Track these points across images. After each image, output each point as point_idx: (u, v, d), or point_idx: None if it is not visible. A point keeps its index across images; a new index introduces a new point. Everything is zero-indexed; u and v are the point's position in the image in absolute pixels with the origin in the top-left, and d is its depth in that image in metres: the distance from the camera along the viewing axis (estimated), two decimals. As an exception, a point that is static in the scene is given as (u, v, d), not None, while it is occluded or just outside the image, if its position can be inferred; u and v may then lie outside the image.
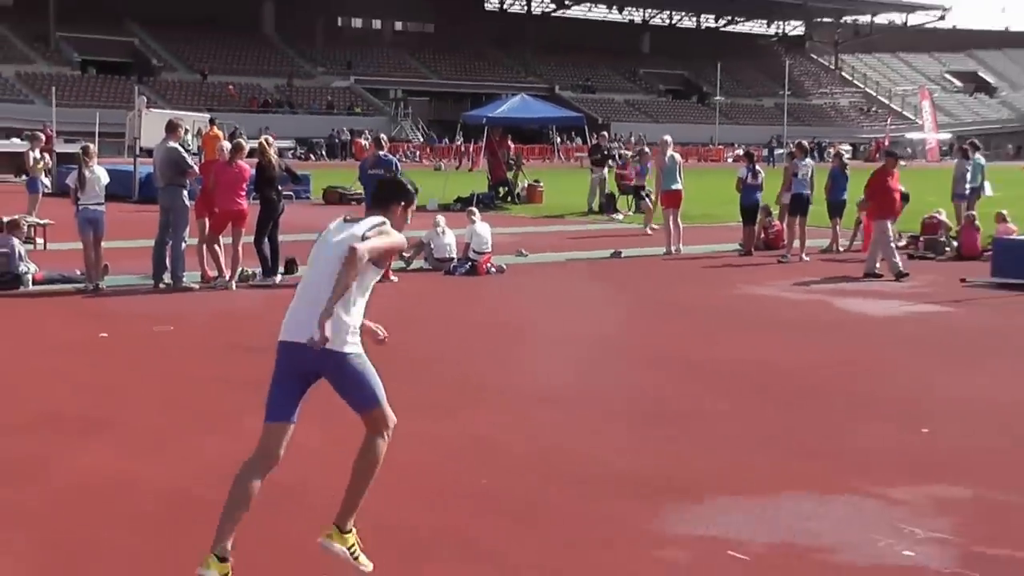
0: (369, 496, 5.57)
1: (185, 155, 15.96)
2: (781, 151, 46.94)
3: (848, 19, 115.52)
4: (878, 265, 17.92)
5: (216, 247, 15.77)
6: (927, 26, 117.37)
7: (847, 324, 13.91)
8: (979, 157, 24.98)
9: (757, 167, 21.69)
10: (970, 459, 7.88)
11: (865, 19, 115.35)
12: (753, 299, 15.77)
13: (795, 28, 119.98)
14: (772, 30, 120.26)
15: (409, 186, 5.67)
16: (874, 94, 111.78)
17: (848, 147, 69.98)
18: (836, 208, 21.68)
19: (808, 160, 21.55)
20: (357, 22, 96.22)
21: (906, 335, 13.14)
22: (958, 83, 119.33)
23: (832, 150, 34.08)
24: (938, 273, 18.53)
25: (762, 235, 21.96)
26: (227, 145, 16.36)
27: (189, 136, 35.55)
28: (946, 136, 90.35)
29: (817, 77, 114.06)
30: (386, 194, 5.64)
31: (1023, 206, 22.79)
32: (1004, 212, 21.67)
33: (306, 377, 5.41)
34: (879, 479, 7.30)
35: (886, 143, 70.07)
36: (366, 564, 5.48)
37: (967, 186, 23.94)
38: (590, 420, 8.86)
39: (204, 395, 9.49)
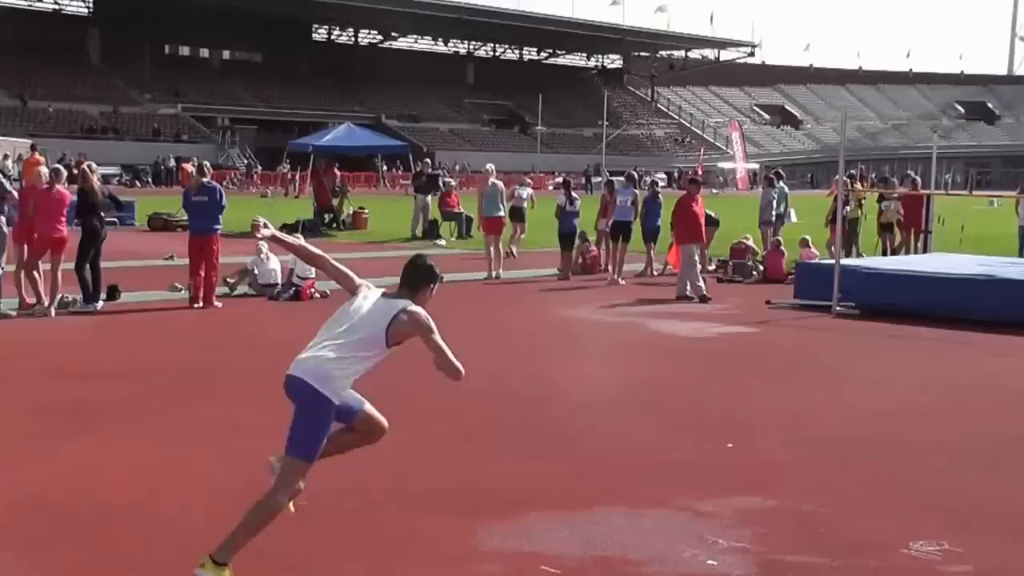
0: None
1: (2, 180, 15.77)
2: (598, 179, 47.83)
3: (663, 53, 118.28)
4: (689, 288, 18.59)
5: (35, 273, 15.47)
6: (737, 61, 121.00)
7: (658, 344, 14.31)
8: (783, 185, 26.06)
9: (574, 195, 22.32)
10: (771, 471, 8.21)
11: (679, 54, 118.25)
12: (570, 322, 16.07)
13: (613, 62, 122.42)
14: (592, 63, 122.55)
15: (437, 270, 6.20)
16: (688, 125, 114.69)
17: (663, 175, 71.84)
18: (650, 234, 22.40)
19: (633, 189, 22.30)
20: (185, 50, 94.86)
21: (714, 354, 13.58)
22: (766, 116, 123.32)
23: (647, 179, 35.06)
24: (745, 295, 19.18)
25: (579, 260, 22.54)
26: (45, 171, 16.18)
27: (9, 162, 34.76)
28: (754, 166, 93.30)
29: (634, 108, 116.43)
30: (417, 278, 6.10)
31: (824, 232, 23.77)
32: (807, 237, 22.65)
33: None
34: (687, 493, 7.53)
35: (699, 172, 72.02)
36: None
37: (773, 213, 24.96)
38: (407, 439, 8.79)
39: (19, 422, 9.29)
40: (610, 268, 21.38)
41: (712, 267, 22.36)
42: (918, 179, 26.32)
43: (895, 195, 25.13)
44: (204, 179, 17.29)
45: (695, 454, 8.67)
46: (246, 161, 78.32)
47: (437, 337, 5.89)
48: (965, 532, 6.85)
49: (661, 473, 8.15)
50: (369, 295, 6.05)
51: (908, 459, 8.64)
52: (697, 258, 19.18)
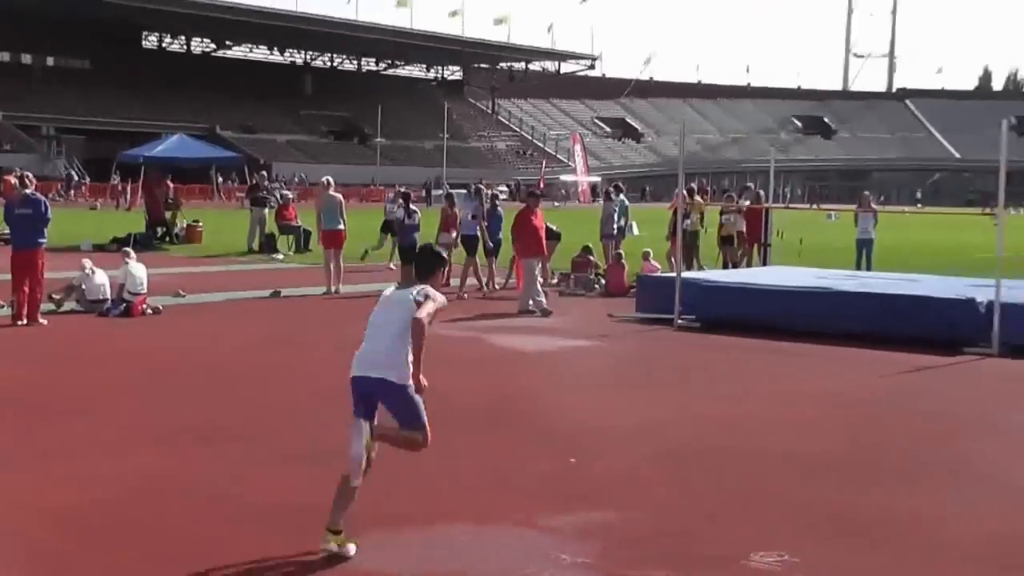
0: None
1: None
2: (438, 192, 47.66)
3: (504, 65, 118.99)
4: (531, 303, 18.48)
5: None
6: (578, 74, 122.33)
7: (501, 359, 14.25)
8: (623, 199, 26.19)
9: (412, 208, 22.07)
10: (615, 485, 8.19)
11: (520, 66, 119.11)
12: None
13: (454, 73, 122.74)
14: (432, 75, 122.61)
15: (444, 253, 7.21)
16: (530, 137, 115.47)
17: (504, 188, 72.05)
18: (491, 248, 22.25)
19: (476, 202, 22.17)
20: (5, 55, 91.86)
21: (557, 369, 13.60)
22: (607, 128, 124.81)
23: (488, 191, 34.92)
24: (588, 309, 19.23)
25: (421, 274, 22.26)
26: None
27: None
28: (596, 179, 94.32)
29: (475, 121, 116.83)
30: (429, 264, 7.02)
31: (666, 245, 23.94)
32: (648, 251, 22.81)
33: (372, 400, 6.79)
34: (531, 508, 7.49)
35: (542, 185, 72.48)
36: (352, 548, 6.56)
37: (614, 226, 25.04)
38: (246, 458, 8.75)
39: None
40: (465, 282, 21.31)
41: (554, 281, 22.33)
42: (761, 192, 26.72)
43: (734, 207, 25.44)
44: (27, 191, 16.55)
45: (538, 469, 8.60)
46: (67, 172, 76.05)
47: (432, 307, 6.70)
48: (807, 542, 6.90)
49: (504, 488, 8.07)
50: (387, 294, 7.03)
51: (751, 470, 8.69)
52: (539, 272, 19.07)
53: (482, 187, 24.02)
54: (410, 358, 6.70)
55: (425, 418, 6.79)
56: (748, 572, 6.39)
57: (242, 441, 9.35)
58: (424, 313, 6.60)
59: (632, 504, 7.70)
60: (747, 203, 25.49)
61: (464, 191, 23.75)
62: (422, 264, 7.05)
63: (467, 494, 7.90)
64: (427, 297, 6.69)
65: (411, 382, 6.72)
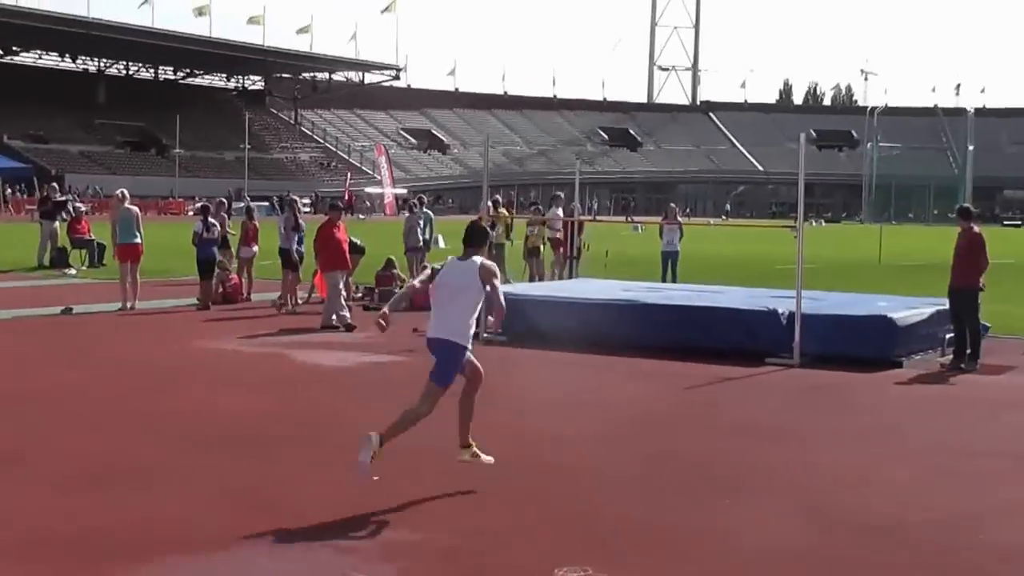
0: None
1: None
2: (240, 204, 46.65)
3: (307, 75, 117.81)
4: (334, 317, 18.08)
5: None
6: (383, 84, 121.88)
7: (302, 375, 14.00)
8: (428, 211, 25.98)
9: (211, 221, 21.42)
10: (418, 503, 8.09)
11: (323, 76, 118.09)
12: (210, 353, 15.57)
13: (255, 83, 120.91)
14: (232, 84, 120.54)
15: (489, 229, 9.35)
16: (334, 149, 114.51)
17: (307, 200, 71.15)
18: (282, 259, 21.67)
19: (290, 215, 21.64)
20: None
21: (360, 384, 13.43)
22: (413, 140, 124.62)
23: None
24: (393, 323, 18.75)
25: (220, 289, 21.65)
26: None
27: None
28: (402, 191, 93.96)
29: (277, 132, 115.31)
30: (478, 238, 8.68)
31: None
32: (449, 263, 22.51)
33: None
34: (332, 527, 7.36)
35: (347, 198, 71.92)
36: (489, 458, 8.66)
37: (419, 239, 24.76)
38: (29, 485, 8.35)
39: None
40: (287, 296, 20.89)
41: (358, 295, 21.92)
42: (576, 204, 26.84)
43: (539, 219, 25.47)
44: None
45: (337, 487, 8.46)
46: None
47: (498, 282, 8.37)
48: (610, 556, 6.92)
49: (301, 507, 7.90)
50: (447, 269, 8.64)
51: (555, 484, 8.70)
52: (342, 286, 18.66)
53: (295, 199, 23.46)
54: (472, 326, 8.45)
55: (452, 381, 8.54)
56: (551, 588, 6.36)
57: (17, 466, 8.92)
58: (500, 294, 8.34)
59: (435, 521, 7.63)
60: (560, 212, 25.49)
61: (266, 203, 23.14)
62: (474, 237, 8.64)
63: (265, 515, 7.67)
64: (490, 270, 8.36)
65: (469, 346, 8.47)
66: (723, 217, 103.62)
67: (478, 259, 8.38)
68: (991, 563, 7.03)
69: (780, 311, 15.46)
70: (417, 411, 8.53)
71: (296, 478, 8.76)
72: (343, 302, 18.55)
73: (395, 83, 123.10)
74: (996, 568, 6.97)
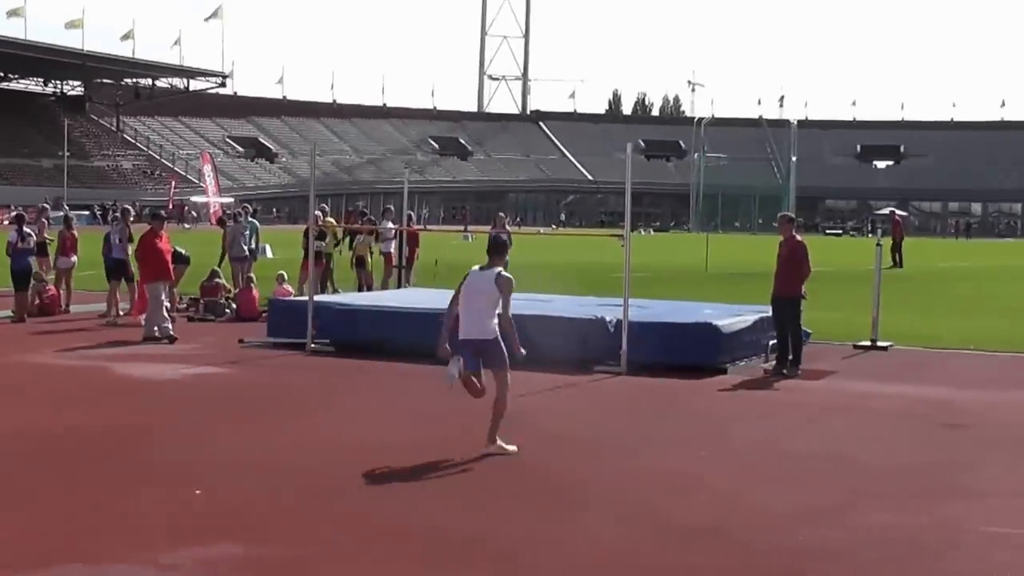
0: None
1: None
2: (59, 213, 45.24)
3: (129, 82, 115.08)
4: (156, 329, 17.66)
5: None
6: (208, 92, 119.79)
7: (124, 389, 13.66)
8: (254, 220, 25.60)
9: (27, 230, 20.78)
10: (239, 516, 7.93)
11: (146, 82, 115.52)
12: (25, 368, 15.13)
13: (75, 88, 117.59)
14: (50, 89, 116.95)
15: (508, 242, 10.65)
16: (158, 157, 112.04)
17: (130, 208, 69.42)
18: (115, 270, 21.11)
19: (123, 225, 21.06)
20: None
21: (184, 397, 13.14)
22: (240, 148, 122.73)
23: (115, 212, 33.49)
24: (218, 335, 18.66)
25: (36, 301, 20.97)
26: None
27: None
28: (229, 200, 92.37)
29: (99, 139, 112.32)
30: (502, 248, 10.34)
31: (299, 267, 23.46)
32: (283, 273, 22.29)
33: (480, 354, 9.94)
34: (152, 544, 7.18)
35: (171, 207, 70.49)
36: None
37: (245, 248, 24.34)
38: None
39: None
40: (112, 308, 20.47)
41: (183, 306, 21.47)
42: (412, 213, 26.79)
43: (367, 228, 25.30)
44: None
45: (159, 503, 8.24)
46: None
47: (511, 297, 9.91)
48: (439, 565, 6.91)
49: (122, 525, 7.70)
50: (471, 278, 10.07)
51: (383, 495, 8.64)
52: (164, 297, 18.22)
53: (128, 208, 22.88)
54: (496, 321, 9.87)
55: (508, 361, 9.93)
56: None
57: None
58: (509, 310, 9.86)
59: (256, 535, 7.51)
60: (391, 224, 25.38)
61: (87, 212, 22.53)
62: (498, 248, 10.27)
63: (84, 534, 7.45)
64: (508, 282, 9.88)
65: (497, 334, 9.87)
66: (553, 226, 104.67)
67: (498, 269, 9.98)
68: (808, 563, 7.17)
69: (608, 319, 15.59)
70: (503, 397, 9.98)
71: (116, 494, 8.50)
72: (165, 314, 18.11)
73: (221, 90, 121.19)
74: (813, 567, 7.10)
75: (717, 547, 7.44)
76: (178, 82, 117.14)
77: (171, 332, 17.74)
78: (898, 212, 43.24)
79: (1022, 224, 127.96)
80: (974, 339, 18.89)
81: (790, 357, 15.26)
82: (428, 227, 57.63)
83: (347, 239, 25.23)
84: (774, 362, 15.48)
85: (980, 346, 18.27)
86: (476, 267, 10.14)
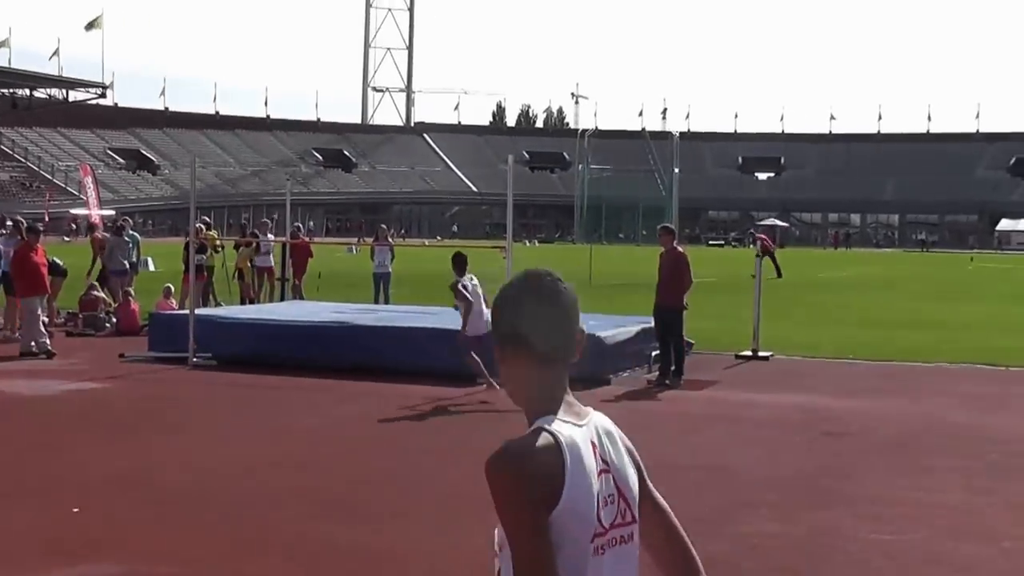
0: None
1: None
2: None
3: (5, 92, 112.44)
4: (34, 344, 17.29)
5: None
6: (89, 102, 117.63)
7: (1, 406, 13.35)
8: (134, 233, 25.22)
9: None
10: (121, 534, 7.80)
11: (24, 92, 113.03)
12: None
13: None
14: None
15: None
16: (36, 169, 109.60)
17: (11, 223, 67.90)
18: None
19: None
20: None
21: (63, 414, 12.90)
22: (121, 160, 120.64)
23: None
24: (98, 350, 18.35)
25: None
26: None
27: None
28: (110, 212, 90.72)
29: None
30: (462, 264, 14.15)
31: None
32: (170, 287, 21.98)
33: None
34: (26, 565, 7.05)
35: (46, 219, 69.03)
36: None
37: (125, 262, 23.91)
38: None
39: None
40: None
41: (61, 320, 21.03)
42: (300, 225, 26.60)
43: (244, 241, 25.15)
44: None
45: (36, 523, 8.08)
46: None
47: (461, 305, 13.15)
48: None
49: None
50: (468, 283, 13.86)
51: (261, 511, 8.53)
52: (42, 311, 17.83)
53: (20, 220, 22.34)
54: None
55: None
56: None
57: None
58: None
59: (139, 553, 7.40)
60: (271, 237, 25.21)
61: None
62: (459, 263, 14.15)
63: None
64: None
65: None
66: (438, 238, 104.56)
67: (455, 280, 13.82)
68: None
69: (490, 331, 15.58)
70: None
71: (-11, 514, 8.29)
72: (42, 328, 17.72)
73: (102, 101, 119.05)
74: None
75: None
76: (57, 92, 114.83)
77: (49, 347, 17.37)
78: (758, 233, 43.66)
79: (899, 235, 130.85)
80: (852, 348, 19.28)
81: (672, 367, 15.41)
82: (314, 239, 57.20)
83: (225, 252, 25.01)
84: (656, 373, 15.63)
85: (858, 355, 18.66)
86: (470, 277, 14.21)
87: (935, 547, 7.91)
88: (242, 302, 23.81)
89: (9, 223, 23.25)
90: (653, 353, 16.04)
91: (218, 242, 25.13)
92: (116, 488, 9.13)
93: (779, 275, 41.04)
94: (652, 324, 15.98)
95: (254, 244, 24.77)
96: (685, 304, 15.62)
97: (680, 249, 16.02)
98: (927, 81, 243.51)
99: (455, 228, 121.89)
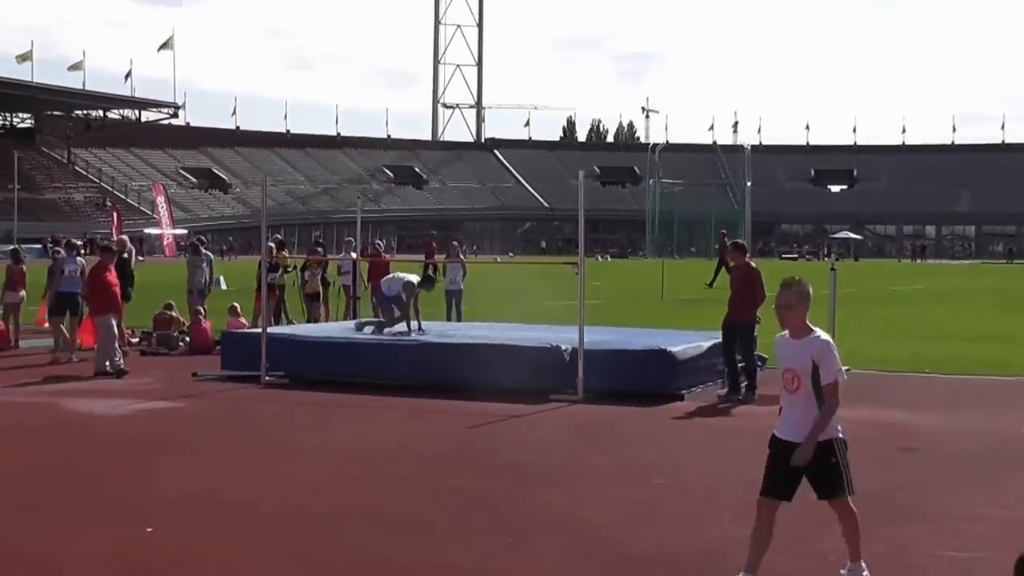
0: None
1: None
2: (7, 247, 44.87)
3: (79, 113, 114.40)
4: (108, 364, 17.45)
5: None
6: (160, 123, 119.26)
7: (71, 425, 13.50)
8: (208, 252, 25.39)
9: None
10: (194, 553, 7.80)
11: (97, 113, 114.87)
12: None
13: (24, 121, 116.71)
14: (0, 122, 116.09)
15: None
16: (110, 188, 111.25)
17: (79, 242, 68.86)
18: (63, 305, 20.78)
19: (79, 259, 20.74)
20: None
21: (136, 433, 12.94)
22: (193, 179, 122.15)
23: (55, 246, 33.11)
24: (171, 368, 18.45)
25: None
26: None
27: None
28: (183, 231, 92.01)
29: (50, 171, 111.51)
30: (430, 282, 17.79)
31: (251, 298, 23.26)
32: (236, 305, 22.12)
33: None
34: None
35: (114, 237, 69.77)
36: None
37: (201, 281, 24.12)
38: None
39: None
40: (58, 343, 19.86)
41: (135, 339, 21.23)
42: (380, 242, 26.80)
43: (315, 261, 25.28)
44: None
45: (110, 541, 8.08)
46: None
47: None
48: None
49: (71, 565, 7.54)
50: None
51: (332, 531, 8.49)
52: (115, 330, 18.00)
53: (75, 242, 22.64)
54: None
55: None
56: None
57: None
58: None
59: (209, 573, 7.41)
60: (354, 255, 25.33)
61: (38, 245, 22.32)
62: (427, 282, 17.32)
63: (33, 573, 7.35)
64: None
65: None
66: (510, 253, 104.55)
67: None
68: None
69: (563, 347, 15.54)
70: None
71: (65, 533, 8.33)
72: (117, 347, 17.90)
73: (173, 121, 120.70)
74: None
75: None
76: (130, 113, 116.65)
77: (122, 366, 17.53)
78: (728, 237, 42.65)
79: (976, 246, 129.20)
80: (927, 362, 18.98)
81: (744, 383, 15.25)
82: (390, 256, 57.43)
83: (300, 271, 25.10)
84: (726, 389, 15.47)
85: (934, 369, 18.36)
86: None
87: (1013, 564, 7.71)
88: (308, 321, 23.94)
89: (65, 242, 23.39)
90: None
91: (289, 261, 25.22)
92: (189, 507, 9.15)
93: (711, 284, 40.14)
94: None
95: (324, 263, 24.87)
96: (758, 319, 15.46)
97: (752, 264, 15.87)
98: (1001, 90, 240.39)
99: (543, 244, 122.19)
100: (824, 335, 6.89)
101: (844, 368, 17.46)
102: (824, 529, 7.91)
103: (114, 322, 17.98)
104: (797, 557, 7.80)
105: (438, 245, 46.30)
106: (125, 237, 25.51)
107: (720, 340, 15.90)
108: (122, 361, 17.71)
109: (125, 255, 21.44)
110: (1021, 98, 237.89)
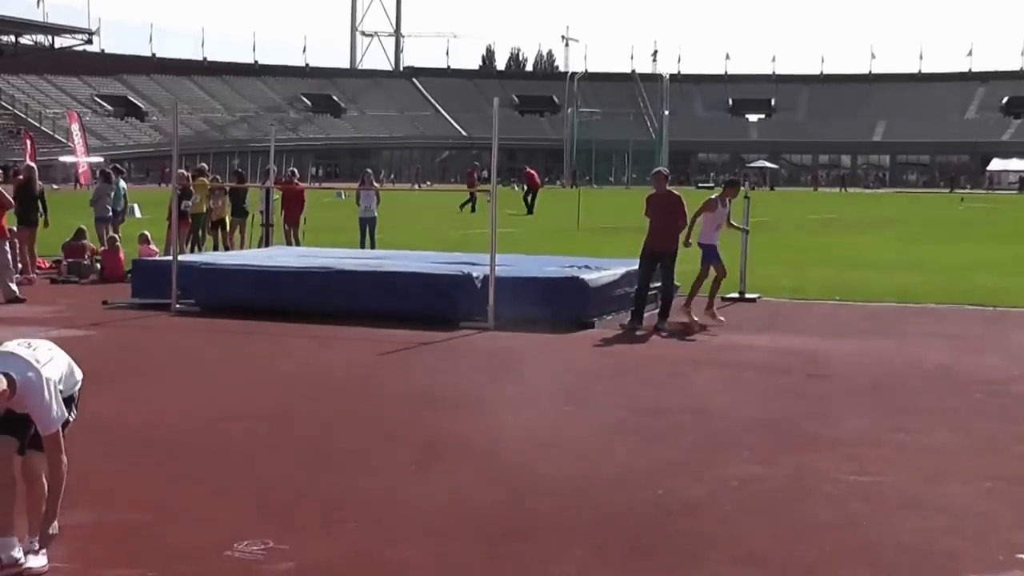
0: None
1: None
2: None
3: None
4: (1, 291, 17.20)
5: None
6: (75, 49, 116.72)
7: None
8: (121, 181, 25.03)
9: None
10: (92, 481, 7.67)
11: (9, 39, 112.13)
12: None
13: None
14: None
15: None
16: (24, 116, 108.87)
17: (-3, 170, 67.45)
18: None
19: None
20: None
21: None
22: (109, 107, 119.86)
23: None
24: (82, 297, 18.23)
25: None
26: None
27: None
28: (98, 159, 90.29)
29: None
30: None
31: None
32: (147, 233, 21.83)
33: None
34: None
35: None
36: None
37: (110, 209, 23.79)
38: None
39: None
40: None
41: (47, 265, 20.98)
42: (295, 171, 26.74)
43: (219, 185, 25.18)
44: None
45: None
46: None
47: None
48: (290, 528, 6.82)
49: None
50: None
51: (236, 458, 8.50)
52: (9, 256, 17.67)
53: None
54: None
55: None
56: (231, 562, 6.26)
57: None
58: None
59: (110, 501, 7.38)
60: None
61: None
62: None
63: None
64: None
65: None
66: (428, 183, 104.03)
67: None
68: (669, 516, 7.20)
69: (475, 275, 15.51)
70: None
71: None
72: (13, 274, 17.68)
73: (88, 48, 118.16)
74: (674, 520, 7.13)
75: (579, 502, 7.44)
76: (43, 39, 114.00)
77: (17, 293, 17.30)
78: (528, 168, 47.38)
79: (890, 176, 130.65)
80: (838, 290, 19.23)
81: (657, 311, 15.35)
82: (304, 185, 56.94)
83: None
84: (629, 317, 15.53)
85: (844, 297, 18.60)
86: None
87: (914, 489, 7.86)
88: (215, 248, 23.81)
89: None
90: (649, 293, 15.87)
91: (207, 188, 24.77)
92: (89, 434, 8.93)
93: (529, 212, 44.74)
94: (637, 267, 15.87)
95: (226, 190, 24.68)
96: (688, 242, 15.63)
97: (675, 192, 15.95)
98: (919, 20, 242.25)
99: (485, 173, 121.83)
100: None
101: (756, 295, 17.63)
102: (732, 455, 8.00)
103: (7, 248, 17.64)
104: (703, 482, 7.87)
105: (355, 173, 46.10)
106: (29, 163, 25.04)
107: (636, 267, 15.95)
108: (16, 288, 17.46)
109: (20, 178, 21.10)
110: (939, 28, 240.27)
